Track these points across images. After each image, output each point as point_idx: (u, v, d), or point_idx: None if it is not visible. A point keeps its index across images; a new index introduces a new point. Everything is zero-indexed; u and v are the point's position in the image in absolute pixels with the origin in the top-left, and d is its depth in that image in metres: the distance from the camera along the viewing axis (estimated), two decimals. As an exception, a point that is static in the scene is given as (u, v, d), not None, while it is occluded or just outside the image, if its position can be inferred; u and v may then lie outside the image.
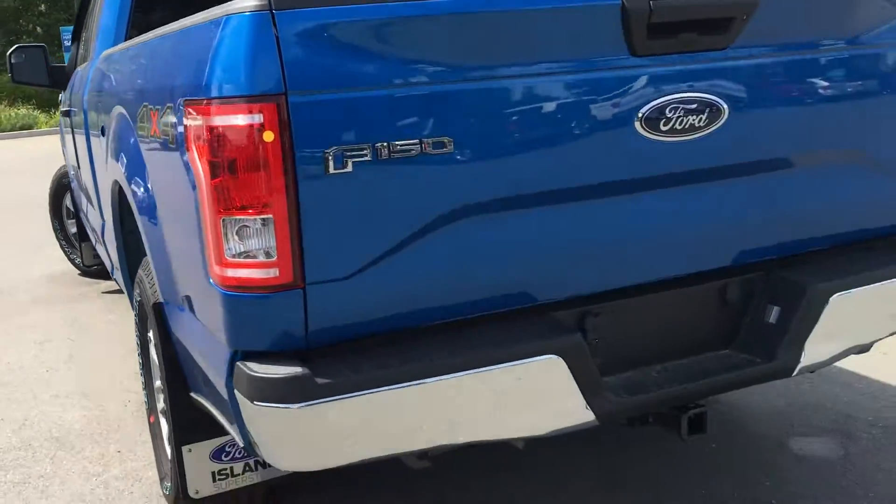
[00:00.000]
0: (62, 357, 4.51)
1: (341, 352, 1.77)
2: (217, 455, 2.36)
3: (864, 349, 2.38)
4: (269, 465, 2.38)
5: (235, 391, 1.73)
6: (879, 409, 3.32)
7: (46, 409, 3.80)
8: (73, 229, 6.05)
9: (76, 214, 5.72)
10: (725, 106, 1.97)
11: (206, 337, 1.94)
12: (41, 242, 7.09)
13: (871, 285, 2.19)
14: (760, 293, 2.21)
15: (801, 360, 2.14)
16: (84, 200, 4.60)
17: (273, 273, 1.67)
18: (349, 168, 1.65)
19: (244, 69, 1.59)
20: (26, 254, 7.09)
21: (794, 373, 2.15)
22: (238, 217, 1.66)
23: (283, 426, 1.69)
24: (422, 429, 1.78)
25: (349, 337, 1.78)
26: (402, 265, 1.76)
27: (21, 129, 19.81)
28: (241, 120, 1.60)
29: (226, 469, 2.38)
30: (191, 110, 1.71)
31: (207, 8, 1.77)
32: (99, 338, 4.77)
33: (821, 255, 2.29)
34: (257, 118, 1.59)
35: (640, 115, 1.88)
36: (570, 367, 1.85)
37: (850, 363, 3.73)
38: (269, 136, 1.60)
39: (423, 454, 1.97)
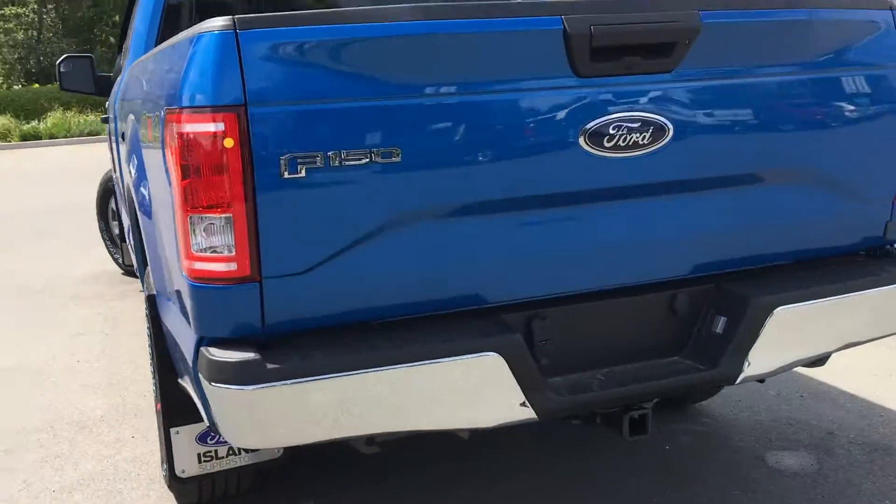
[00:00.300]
0: (94, 350, 4.79)
1: (296, 341, 1.94)
2: (202, 438, 2.55)
3: (817, 362, 2.46)
4: (255, 450, 2.58)
5: (199, 374, 1.92)
6: (863, 427, 3.37)
7: (72, 397, 4.06)
8: (117, 230, 6.37)
9: (118, 216, 6.03)
10: (670, 125, 2.09)
11: (183, 325, 2.13)
12: (91, 243, 7.45)
13: (815, 301, 2.28)
14: (709, 304, 2.31)
15: (745, 369, 2.24)
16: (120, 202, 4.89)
17: (232, 267, 1.85)
18: (303, 174, 1.83)
19: (210, 82, 1.78)
20: (75, 254, 7.45)
21: (738, 381, 2.25)
22: (203, 215, 1.84)
23: (236, 406, 1.86)
24: (365, 416, 1.94)
25: (304, 328, 1.95)
26: (354, 264, 1.92)
27: (89, 134, 20.61)
28: (205, 127, 1.79)
29: (210, 451, 2.57)
30: (168, 118, 1.91)
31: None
32: (131, 333, 5.03)
33: (771, 271, 2.39)
34: (220, 126, 1.78)
35: (583, 131, 2.02)
36: (509, 365, 1.99)
37: (842, 382, 3.77)
38: (229, 142, 1.78)
39: (370, 440, 2.13)
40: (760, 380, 2.35)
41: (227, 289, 1.87)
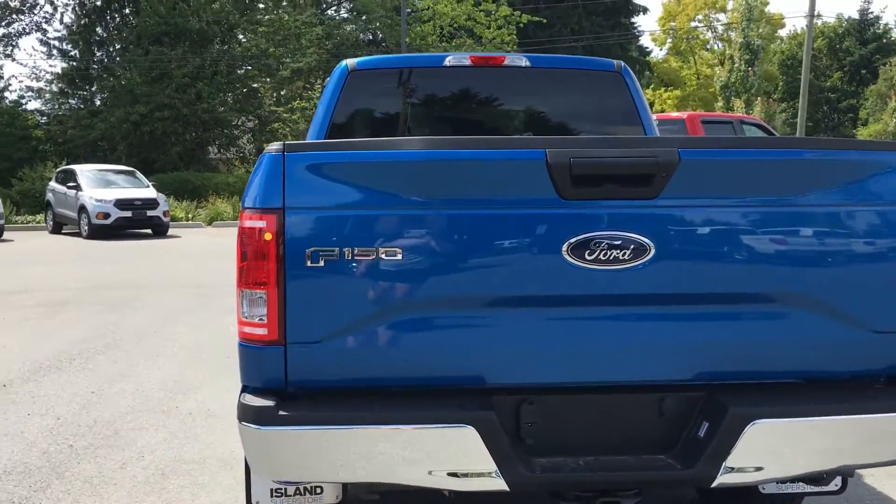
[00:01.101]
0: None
1: (313, 397, 2.43)
2: (276, 476, 3.07)
3: (819, 481, 2.55)
4: (317, 493, 3.06)
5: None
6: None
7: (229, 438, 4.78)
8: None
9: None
10: (651, 245, 2.39)
11: None
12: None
13: (797, 419, 2.40)
14: (699, 411, 2.51)
15: (720, 474, 2.40)
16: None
17: (265, 331, 2.39)
18: (322, 263, 2.34)
19: (260, 189, 2.36)
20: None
21: (713, 484, 2.42)
22: (248, 290, 2.41)
23: (255, 442, 2.37)
24: (356, 464, 2.36)
25: (319, 387, 2.43)
26: (361, 340, 2.39)
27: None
28: (253, 223, 2.37)
29: (281, 489, 3.08)
30: (241, 214, 2.51)
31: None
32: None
33: (778, 388, 2.54)
34: (263, 223, 2.35)
35: (566, 245, 2.37)
36: (483, 438, 2.34)
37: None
38: (268, 236, 2.34)
39: (370, 489, 2.53)
40: (735, 486, 2.49)
41: (260, 349, 2.40)
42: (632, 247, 2.38)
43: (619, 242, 2.38)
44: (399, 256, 2.36)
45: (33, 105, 37.14)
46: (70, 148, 32.28)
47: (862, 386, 2.57)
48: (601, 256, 2.38)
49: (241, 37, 35.09)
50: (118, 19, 36.00)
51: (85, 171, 21.67)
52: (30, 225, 24.06)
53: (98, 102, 35.13)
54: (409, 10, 34.86)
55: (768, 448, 2.42)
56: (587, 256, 2.37)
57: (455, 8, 35.99)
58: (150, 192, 20.87)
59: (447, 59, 4.56)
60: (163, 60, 32.08)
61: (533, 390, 2.50)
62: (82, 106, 35.21)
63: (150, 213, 20.30)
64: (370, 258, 2.35)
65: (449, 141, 2.44)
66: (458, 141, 2.42)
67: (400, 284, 2.38)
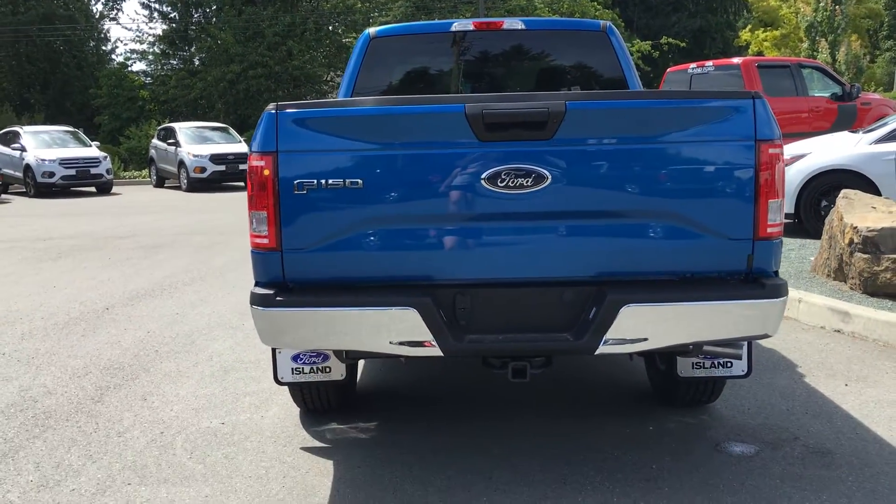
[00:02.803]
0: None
1: (304, 289, 3.35)
2: (294, 358, 4.04)
3: (683, 351, 3.37)
4: (326, 372, 4.02)
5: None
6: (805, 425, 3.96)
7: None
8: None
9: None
10: (548, 174, 3.19)
11: None
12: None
13: (657, 304, 3.19)
14: (591, 300, 3.32)
15: (601, 345, 3.22)
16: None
17: (267, 241, 3.31)
18: (305, 192, 3.24)
19: (261, 138, 3.27)
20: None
21: (595, 352, 3.24)
22: (255, 212, 3.33)
23: (261, 319, 3.31)
24: (331, 335, 3.29)
25: (308, 282, 3.35)
26: (336, 247, 3.29)
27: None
28: (256, 163, 3.28)
29: (299, 367, 4.05)
30: (248, 157, 3.43)
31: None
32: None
33: (654, 283, 3.33)
34: (263, 163, 3.26)
35: (483, 176, 3.20)
36: (422, 316, 3.22)
37: (856, 410, 4.31)
38: (266, 172, 3.26)
39: (343, 356, 3.48)
40: (615, 354, 3.31)
41: (264, 254, 3.33)
42: (533, 176, 3.19)
43: (523, 173, 3.19)
44: (360, 185, 3.23)
45: (138, 67, 39.35)
46: (173, 107, 34.21)
47: (719, 281, 3.33)
48: (510, 184, 3.19)
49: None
50: (214, -20, 37.41)
51: (183, 129, 23.27)
52: (136, 180, 25.99)
53: (196, 63, 36.89)
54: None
55: (638, 326, 3.22)
56: (499, 184, 3.20)
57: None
58: (241, 147, 22.28)
59: (454, 25, 5.37)
60: (255, 20, 33.51)
61: (465, 285, 3.35)
62: (182, 66, 37.05)
63: (241, 167, 21.72)
64: (339, 186, 3.23)
65: (393, 99, 3.29)
66: (399, 99, 3.27)
67: (361, 206, 3.26)
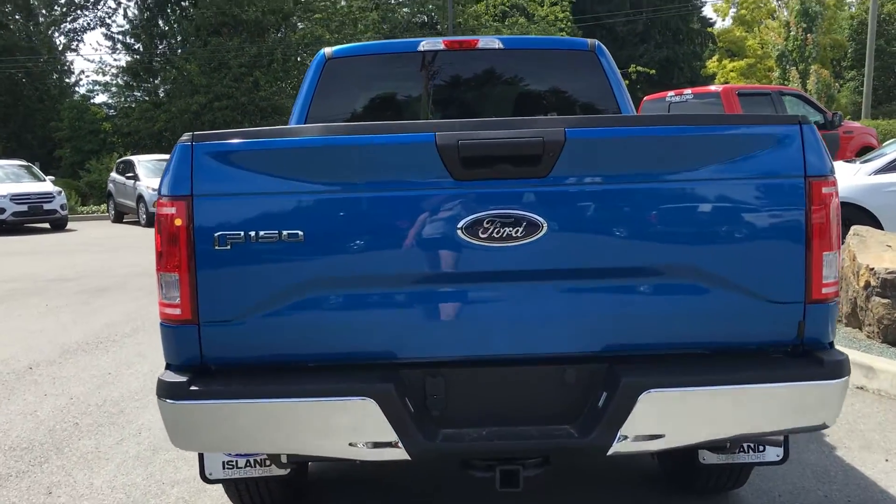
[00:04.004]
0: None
1: (227, 373, 2.58)
2: (227, 449, 3.25)
3: (720, 449, 2.62)
4: (266, 465, 3.22)
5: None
6: None
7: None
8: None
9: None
10: (544, 221, 2.46)
11: None
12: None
13: (687, 388, 2.46)
14: (600, 382, 2.58)
15: (615, 442, 2.48)
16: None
17: (179, 312, 2.54)
18: (229, 247, 2.48)
19: (171, 178, 2.51)
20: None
21: (609, 451, 2.49)
22: (164, 274, 2.56)
23: (168, 415, 2.53)
24: (263, 436, 2.51)
25: (233, 363, 2.58)
26: (271, 318, 2.52)
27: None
28: (165, 210, 2.52)
29: (232, 461, 3.25)
30: (157, 202, 2.66)
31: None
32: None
33: (678, 358, 2.59)
34: (173, 210, 2.50)
35: (460, 225, 2.46)
36: (382, 409, 2.46)
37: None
38: (178, 221, 2.49)
39: (282, 461, 2.70)
40: (632, 454, 2.57)
41: (176, 328, 2.56)
42: (524, 224, 2.46)
43: (511, 220, 2.46)
44: (301, 238, 2.48)
45: (101, 98, 38.48)
46: (136, 139, 33.27)
47: (761, 356, 2.61)
48: (495, 234, 2.46)
49: (299, 24, 35.63)
50: (178, 12, 36.86)
51: (142, 162, 22.37)
52: (94, 215, 25.01)
53: (161, 94, 36.13)
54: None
55: (663, 417, 2.48)
56: (481, 235, 2.46)
57: (508, -15, 35.70)
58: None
59: (421, 44, 4.66)
60: (221, 51, 32.79)
61: (437, 364, 2.60)
62: (146, 98, 36.27)
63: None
64: (274, 240, 2.48)
65: (343, 128, 2.55)
66: (351, 127, 2.53)
67: (304, 265, 2.50)
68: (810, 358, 2.57)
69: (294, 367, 2.60)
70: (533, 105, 4.93)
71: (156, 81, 37.28)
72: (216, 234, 2.48)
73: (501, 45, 4.62)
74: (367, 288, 2.52)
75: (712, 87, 13.88)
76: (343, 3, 35.29)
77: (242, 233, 2.48)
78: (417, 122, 2.52)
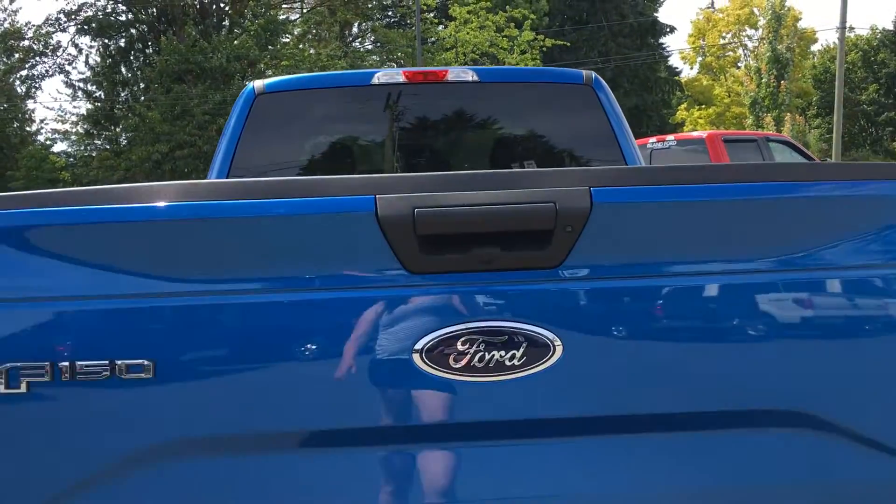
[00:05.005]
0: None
1: None
2: None
3: None
4: None
5: None
6: None
7: None
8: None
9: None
10: (557, 340, 1.48)
11: None
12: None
13: None
14: None
15: None
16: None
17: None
18: (24, 388, 1.47)
19: None
20: None
21: None
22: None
23: None
24: None
25: None
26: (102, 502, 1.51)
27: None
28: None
29: None
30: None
31: None
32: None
33: None
34: None
35: (418, 346, 1.47)
36: None
37: None
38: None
39: None
40: None
41: None
42: (524, 345, 1.48)
43: (502, 340, 1.48)
44: (150, 373, 1.47)
45: (60, 147, 37.37)
46: (95, 189, 32.15)
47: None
48: (475, 363, 1.48)
49: (267, 71, 34.84)
50: (142, 59, 36.13)
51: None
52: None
53: (123, 142, 35.16)
54: (431, 38, 34.54)
55: None
56: (453, 363, 1.48)
57: (477, 35, 35.27)
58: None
59: (376, 75, 3.70)
60: (184, 98, 31.84)
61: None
62: (108, 146, 35.25)
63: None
64: (104, 376, 1.47)
65: (215, 189, 1.55)
66: (230, 187, 1.54)
67: (155, 417, 1.49)
68: None
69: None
70: (511, 154, 3.96)
71: (117, 129, 36.33)
72: (3, 368, 1.46)
73: (476, 77, 3.68)
74: (256, 453, 1.52)
75: (695, 134, 13.17)
76: (311, 51, 34.74)
77: (49, 364, 1.46)
78: (345, 179, 1.52)
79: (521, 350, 1.47)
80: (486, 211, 1.46)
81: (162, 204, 1.48)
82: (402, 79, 3.69)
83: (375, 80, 3.67)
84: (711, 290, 1.49)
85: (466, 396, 1.48)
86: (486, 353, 1.47)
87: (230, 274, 1.47)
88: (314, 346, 1.48)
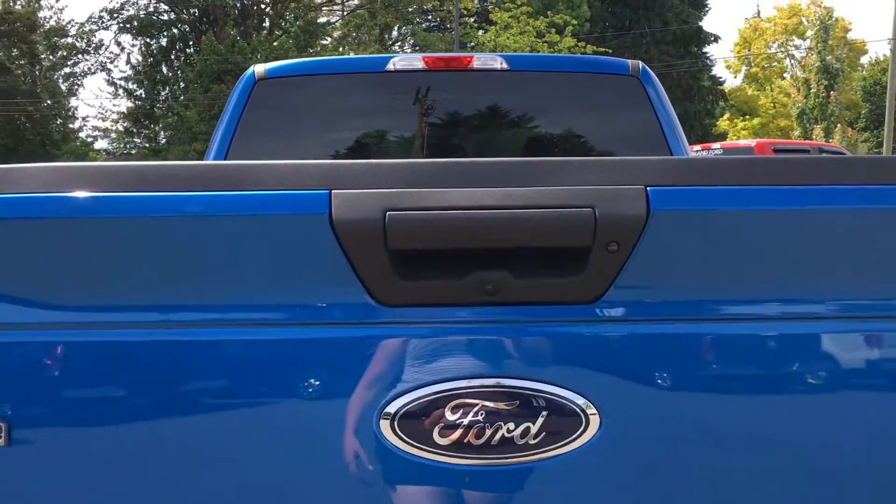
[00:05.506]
0: None
1: None
2: None
3: None
4: None
5: None
6: None
7: None
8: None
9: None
10: (593, 407, 1.01)
11: None
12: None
13: None
14: None
15: None
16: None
17: None
18: None
19: None
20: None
21: None
22: None
23: None
24: None
25: None
26: None
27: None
28: None
29: None
30: None
31: None
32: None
33: None
34: None
35: (388, 411, 1.01)
36: None
37: None
38: None
39: None
40: None
41: None
42: (544, 415, 1.01)
43: (512, 405, 1.01)
44: (2, 441, 1.03)
45: (100, 144, 37.79)
46: (134, 186, 32.53)
47: None
48: (472, 438, 1.01)
49: (302, 73, 34.88)
50: (182, 59, 36.40)
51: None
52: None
53: (162, 141, 35.46)
54: (471, 43, 34.27)
55: None
56: (438, 438, 1.01)
57: (518, 40, 34.88)
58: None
59: (392, 60, 3.25)
60: (222, 98, 31.91)
61: None
62: (146, 144, 35.54)
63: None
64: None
65: (89, 174, 1.09)
66: (116, 172, 1.08)
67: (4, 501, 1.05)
68: None
69: None
70: (543, 154, 3.47)
71: (156, 128, 36.65)
72: None
73: (506, 65, 3.20)
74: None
75: (742, 142, 12.58)
76: (351, 53, 34.68)
77: None
78: (286, 165, 1.06)
79: (541, 421, 1.00)
80: (489, 217, 0.98)
81: (12, 195, 1.03)
82: (420, 65, 3.23)
83: (391, 66, 3.22)
84: (832, 341, 1.01)
85: (458, 489, 1.01)
86: (489, 425, 1.00)
87: (113, 299, 1.02)
88: (236, 408, 1.02)
